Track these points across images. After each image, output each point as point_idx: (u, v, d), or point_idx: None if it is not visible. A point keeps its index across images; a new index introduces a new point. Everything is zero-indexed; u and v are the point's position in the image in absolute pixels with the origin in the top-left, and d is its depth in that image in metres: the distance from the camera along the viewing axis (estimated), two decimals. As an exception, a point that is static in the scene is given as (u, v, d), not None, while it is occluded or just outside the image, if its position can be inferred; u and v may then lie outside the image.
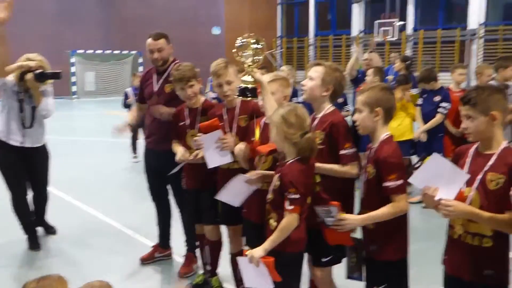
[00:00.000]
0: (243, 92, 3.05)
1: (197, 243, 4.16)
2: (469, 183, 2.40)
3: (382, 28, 18.90)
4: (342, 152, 2.89)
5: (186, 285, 4.11)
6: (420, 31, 19.22)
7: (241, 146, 3.25)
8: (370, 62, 8.12)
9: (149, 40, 4.24)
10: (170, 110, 4.06)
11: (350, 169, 2.91)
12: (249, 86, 3.02)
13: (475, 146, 2.52)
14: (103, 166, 8.73)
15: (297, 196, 2.60)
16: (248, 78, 3.02)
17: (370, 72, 6.57)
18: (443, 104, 6.03)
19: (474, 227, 2.39)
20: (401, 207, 2.63)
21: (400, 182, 2.60)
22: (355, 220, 2.71)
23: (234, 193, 3.24)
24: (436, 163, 2.38)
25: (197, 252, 4.24)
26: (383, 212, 2.62)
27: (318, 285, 3.06)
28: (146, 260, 4.48)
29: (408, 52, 18.84)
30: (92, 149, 10.45)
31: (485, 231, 2.37)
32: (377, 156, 2.68)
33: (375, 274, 2.80)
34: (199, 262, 4.31)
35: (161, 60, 4.24)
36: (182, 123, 3.87)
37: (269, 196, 2.81)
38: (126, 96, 9.09)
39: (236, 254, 3.56)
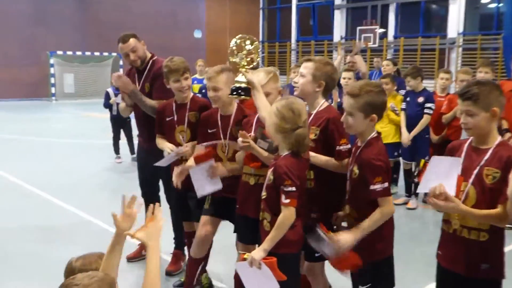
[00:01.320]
0: (236, 91, 3.08)
1: (186, 241, 4.12)
2: (465, 178, 2.42)
3: (364, 35, 19.11)
4: (338, 148, 2.88)
5: (175, 283, 4.06)
6: (400, 39, 19.52)
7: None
8: (354, 65, 8.16)
9: (120, 45, 4.21)
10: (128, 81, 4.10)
11: (343, 165, 2.90)
12: (243, 85, 3.05)
13: (469, 141, 2.54)
14: (82, 167, 8.60)
15: (292, 188, 2.55)
16: (241, 78, 3.06)
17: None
18: (428, 105, 6.09)
19: (471, 221, 2.40)
20: (389, 210, 2.60)
21: (386, 185, 2.56)
22: (349, 238, 2.55)
23: (200, 180, 3.30)
24: (435, 164, 2.38)
25: (185, 249, 4.20)
26: (374, 220, 2.56)
27: (311, 279, 3.05)
28: (133, 259, 4.42)
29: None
30: (71, 151, 10.29)
31: (482, 225, 2.39)
32: (361, 157, 2.65)
33: (362, 274, 2.72)
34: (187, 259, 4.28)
35: (139, 60, 4.21)
36: (169, 119, 3.84)
37: (263, 193, 2.76)
38: (108, 96, 8.97)
39: (199, 259, 3.54)
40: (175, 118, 3.82)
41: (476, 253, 2.41)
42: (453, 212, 2.41)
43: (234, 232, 3.60)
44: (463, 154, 2.50)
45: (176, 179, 3.47)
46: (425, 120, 6.11)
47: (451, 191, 2.34)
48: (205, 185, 3.37)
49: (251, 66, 3.11)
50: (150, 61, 4.25)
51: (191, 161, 3.41)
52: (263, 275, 2.53)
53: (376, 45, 18.95)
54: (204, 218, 3.52)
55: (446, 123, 6.25)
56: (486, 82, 2.48)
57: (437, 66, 17.95)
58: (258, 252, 2.56)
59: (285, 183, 2.56)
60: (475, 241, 2.41)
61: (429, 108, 6.09)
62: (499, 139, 2.45)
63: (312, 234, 2.63)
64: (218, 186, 3.35)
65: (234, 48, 3.07)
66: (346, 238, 2.56)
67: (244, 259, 2.60)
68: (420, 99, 6.16)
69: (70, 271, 2.15)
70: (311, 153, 2.83)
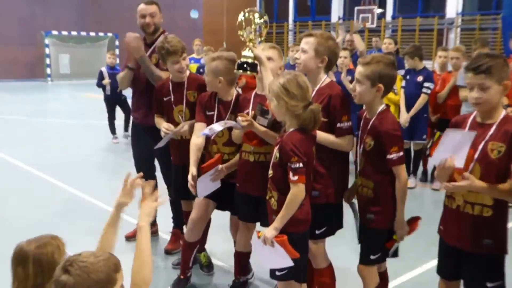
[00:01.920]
0: (242, 66, 3.01)
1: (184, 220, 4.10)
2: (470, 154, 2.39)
3: (362, 15, 18.91)
4: (339, 125, 2.85)
5: (174, 261, 4.06)
6: (399, 19, 19.34)
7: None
8: (352, 44, 8.10)
9: (141, 6, 4.15)
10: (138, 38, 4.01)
11: (345, 142, 2.87)
12: (249, 60, 2.99)
13: (472, 116, 2.50)
14: (81, 148, 8.57)
15: (300, 165, 2.50)
16: (248, 53, 2.99)
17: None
18: (427, 84, 6.04)
19: (475, 197, 2.39)
20: (405, 178, 2.70)
21: (401, 153, 2.65)
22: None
23: (203, 183, 3.22)
24: (448, 137, 2.34)
25: (184, 228, 4.19)
26: (401, 191, 2.69)
27: (312, 257, 3.03)
28: (131, 238, 4.40)
29: (387, 39, 18.93)
30: (68, 131, 10.24)
31: (486, 201, 2.37)
32: (377, 128, 2.68)
33: (372, 242, 2.81)
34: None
35: (153, 26, 4.15)
36: (167, 98, 3.77)
37: (270, 172, 2.71)
38: (101, 75, 8.89)
39: (193, 243, 3.52)
40: (173, 98, 3.75)
41: (480, 228, 2.40)
42: (467, 190, 2.37)
43: (233, 214, 3.57)
44: (466, 130, 2.47)
45: (193, 189, 3.29)
46: (422, 99, 6.06)
47: (459, 164, 2.31)
48: (207, 187, 3.30)
49: (260, 40, 3.06)
50: (162, 36, 4.15)
51: (194, 170, 3.29)
52: (277, 253, 2.54)
53: (374, 25, 18.75)
54: (197, 200, 3.47)
55: (440, 102, 6.23)
56: (497, 55, 2.42)
57: (435, 46, 17.79)
58: (270, 231, 2.55)
59: (292, 160, 2.50)
60: (479, 216, 2.40)
61: (427, 87, 6.04)
62: (503, 113, 2.41)
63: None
64: (218, 185, 3.31)
65: (243, 21, 3.00)
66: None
67: (259, 237, 2.59)
68: (420, 78, 6.11)
69: (24, 256, 1.93)
70: None
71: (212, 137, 3.31)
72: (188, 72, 3.82)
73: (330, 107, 2.86)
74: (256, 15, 2.99)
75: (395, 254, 2.94)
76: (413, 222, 2.86)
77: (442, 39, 18.39)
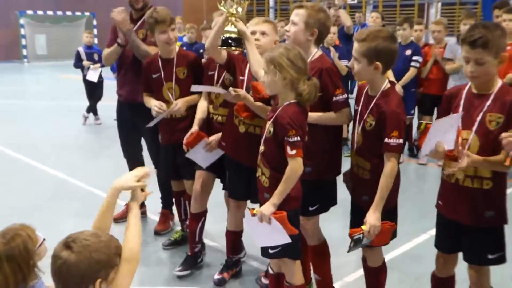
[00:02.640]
0: (226, 42, 2.91)
1: (174, 200, 4.04)
2: (468, 126, 2.35)
3: (343, -9, 18.77)
4: (335, 98, 2.76)
5: (164, 242, 4.00)
6: (380, -6, 19.25)
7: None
8: (338, 19, 8.03)
9: None
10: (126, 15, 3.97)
11: (341, 116, 2.80)
12: (233, 36, 2.90)
13: (467, 87, 2.44)
14: (62, 130, 8.41)
15: (298, 138, 2.42)
16: (231, 28, 2.90)
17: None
18: (415, 58, 6.03)
19: (473, 170, 2.35)
20: (395, 168, 2.50)
21: (400, 141, 2.46)
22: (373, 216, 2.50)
23: (200, 156, 3.33)
24: (435, 126, 2.29)
25: (174, 209, 4.13)
26: (386, 182, 2.48)
27: (305, 234, 3.00)
28: (119, 219, 4.31)
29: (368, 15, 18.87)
30: (49, 113, 10.03)
31: (484, 173, 2.35)
32: (381, 108, 2.52)
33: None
34: (176, 218, 4.22)
35: (142, 2, 4.06)
36: (156, 75, 3.66)
37: (261, 147, 2.62)
38: (78, 55, 8.67)
39: (197, 214, 3.51)
40: (162, 75, 3.64)
41: (481, 201, 2.37)
42: (468, 166, 2.29)
43: (224, 189, 3.54)
44: (461, 102, 2.42)
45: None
46: (411, 72, 6.05)
47: (449, 146, 2.28)
48: (208, 158, 3.35)
49: (240, 14, 2.96)
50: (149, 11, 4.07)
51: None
52: (274, 230, 2.47)
53: (355, 1, 18.68)
54: (198, 173, 3.48)
55: (424, 76, 6.22)
56: (493, 26, 2.33)
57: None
58: (268, 207, 2.47)
59: (289, 134, 2.42)
60: (479, 189, 2.37)
61: (416, 61, 6.03)
62: (500, 82, 2.36)
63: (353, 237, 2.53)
64: (220, 153, 3.30)
65: None
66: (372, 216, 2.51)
67: (254, 215, 2.52)
68: (408, 52, 6.08)
69: None
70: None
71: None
72: (177, 49, 3.71)
73: (322, 81, 2.76)
74: None
75: (355, 247, 2.58)
76: (386, 227, 2.57)
77: (423, 14, 18.38)
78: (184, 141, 3.34)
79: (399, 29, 6.19)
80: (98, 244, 1.63)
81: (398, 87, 5.97)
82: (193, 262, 3.61)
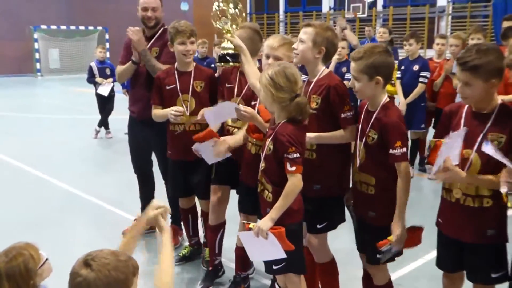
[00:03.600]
0: (224, 58, 2.99)
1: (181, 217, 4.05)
2: (468, 145, 2.35)
3: (352, 5, 18.87)
4: (343, 115, 2.78)
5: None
6: (389, 8, 19.30)
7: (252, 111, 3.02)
8: (344, 38, 8.06)
9: None
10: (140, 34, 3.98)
11: (348, 133, 2.81)
12: (230, 51, 2.98)
13: (467, 105, 2.45)
14: (73, 143, 8.48)
15: (297, 155, 2.47)
16: (228, 44, 2.97)
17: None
18: (423, 73, 6.02)
19: (473, 189, 2.36)
20: (408, 175, 2.56)
21: (404, 149, 2.52)
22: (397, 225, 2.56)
23: (207, 152, 3.24)
24: (446, 145, 2.30)
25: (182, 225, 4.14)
26: (403, 191, 2.54)
27: (313, 251, 2.99)
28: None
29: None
30: (60, 127, 10.13)
31: (484, 192, 2.35)
32: (382, 121, 2.57)
33: (373, 240, 2.66)
34: (184, 234, 4.23)
35: (154, 20, 4.09)
36: (171, 87, 3.65)
37: (262, 164, 2.67)
38: (91, 71, 8.79)
39: (216, 226, 3.51)
40: (178, 86, 3.63)
41: (482, 220, 2.37)
42: (455, 181, 2.37)
43: (239, 202, 3.54)
44: (462, 120, 2.43)
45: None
46: (419, 89, 6.04)
47: (455, 161, 2.29)
48: (214, 156, 3.30)
49: (236, 31, 3.03)
50: (162, 29, 4.14)
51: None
52: (270, 245, 2.47)
53: (365, 15, 18.75)
54: (213, 187, 3.52)
55: (436, 90, 6.21)
56: (487, 50, 2.31)
57: (426, 35, 17.80)
58: (266, 222, 2.49)
59: (289, 151, 2.48)
60: (480, 208, 2.37)
61: (424, 77, 6.02)
62: (499, 101, 2.37)
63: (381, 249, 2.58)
64: (226, 155, 3.26)
65: (217, 12, 2.96)
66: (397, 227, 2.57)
67: (250, 229, 2.53)
68: (415, 67, 6.08)
69: None
70: (314, 134, 2.76)
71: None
72: (194, 64, 3.73)
73: (330, 99, 2.80)
74: (231, 4, 2.96)
75: (391, 259, 2.72)
76: (413, 231, 2.67)
77: (433, 27, 18.37)
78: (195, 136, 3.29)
79: (405, 44, 6.20)
80: (117, 263, 1.65)
81: (404, 104, 6.00)
82: (214, 276, 3.63)
